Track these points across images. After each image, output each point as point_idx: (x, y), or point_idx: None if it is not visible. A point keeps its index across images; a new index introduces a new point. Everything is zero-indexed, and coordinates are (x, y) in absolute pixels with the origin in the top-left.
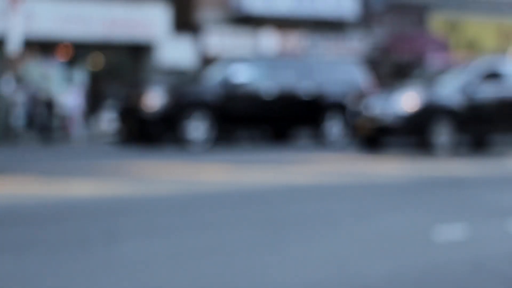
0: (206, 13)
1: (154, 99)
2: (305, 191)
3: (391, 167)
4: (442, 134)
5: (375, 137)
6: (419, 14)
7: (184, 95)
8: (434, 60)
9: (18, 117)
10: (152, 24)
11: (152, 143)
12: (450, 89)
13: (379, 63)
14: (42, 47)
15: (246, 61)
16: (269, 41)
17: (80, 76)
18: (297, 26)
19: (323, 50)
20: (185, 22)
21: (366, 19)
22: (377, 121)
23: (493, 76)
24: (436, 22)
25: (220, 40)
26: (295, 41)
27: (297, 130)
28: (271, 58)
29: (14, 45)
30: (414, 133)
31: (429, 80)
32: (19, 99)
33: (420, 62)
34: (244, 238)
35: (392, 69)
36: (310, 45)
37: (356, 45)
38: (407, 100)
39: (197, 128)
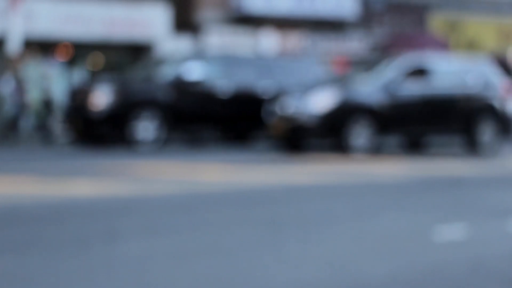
0: (206, 13)
1: (100, 98)
2: (305, 191)
3: (391, 167)
4: (361, 135)
5: (289, 137)
6: (419, 14)
7: (132, 93)
8: None
9: (11, 115)
10: (152, 24)
11: (99, 143)
12: (371, 87)
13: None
14: (42, 47)
15: (200, 59)
16: (269, 41)
17: (80, 76)
18: (297, 26)
19: (323, 50)
20: (185, 22)
21: (366, 19)
22: (292, 121)
23: (419, 72)
24: (436, 22)
25: (220, 40)
26: (295, 41)
27: (255, 130)
28: (227, 55)
29: (14, 45)
30: (330, 134)
31: (350, 77)
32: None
33: None
34: (244, 238)
35: None
36: (310, 45)
37: (356, 45)
38: (320, 99)
39: (146, 127)
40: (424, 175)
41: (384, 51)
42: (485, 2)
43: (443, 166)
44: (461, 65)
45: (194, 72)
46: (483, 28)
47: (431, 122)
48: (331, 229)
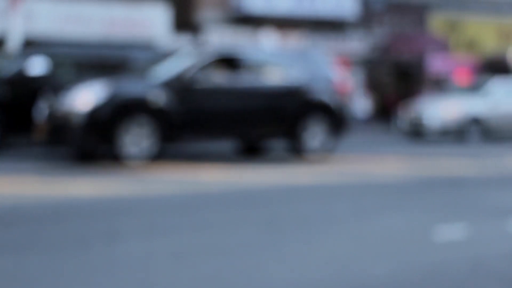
0: (206, 13)
1: None
2: (305, 191)
3: (391, 167)
4: (139, 138)
5: (53, 140)
6: (419, 14)
7: None
8: (434, 60)
9: None
10: (152, 24)
11: None
12: (156, 80)
13: (379, 63)
14: None
15: (49, 52)
16: (269, 41)
17: None
18: (297, 26)
19: (323, 50)
20: (185, 22)
21: (366, 19)
22: (56, 120)
23: (225, 62)
24: (436, 22)
25: (220, 40)
26: (295, 41)
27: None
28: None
29: (14, 45)
30: (99, 137)
31: (142, 70)
32: None
33: (420, 62)
34: (244, 237)
35: (392, 69)
36: (310, 45)
37: (356, 45)
38: (85, 94)
39: None
40: (424, 175)
41: (384, 51)
42: (485, 2)
43: (441, 166)
44: (283, 56)
45: (38, 67)
46: (483, 28)
47: (243, 123)
48: (331, 229)
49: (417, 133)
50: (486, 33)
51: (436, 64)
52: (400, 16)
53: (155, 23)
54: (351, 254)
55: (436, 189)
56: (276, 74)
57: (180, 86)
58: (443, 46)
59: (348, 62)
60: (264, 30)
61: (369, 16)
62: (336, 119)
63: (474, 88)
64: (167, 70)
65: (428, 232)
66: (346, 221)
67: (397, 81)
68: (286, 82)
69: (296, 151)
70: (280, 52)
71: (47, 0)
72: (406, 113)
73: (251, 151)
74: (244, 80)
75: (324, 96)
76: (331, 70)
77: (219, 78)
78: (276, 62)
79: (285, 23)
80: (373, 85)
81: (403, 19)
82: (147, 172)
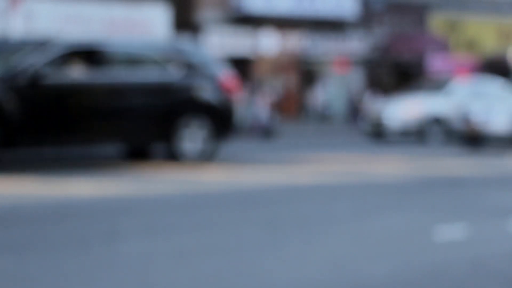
0: (206, 13)
1: None
2: (305, 191)
3: (391, 167)
4: None
5: None
6: (419, 14)
7: None
8: (434, 60)
9: None
10: (152, 24)
11: None
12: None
13: (379, 63)
14: None
15: None
16: (269, 41)
17: None
18: (297, 26)
19: (323, 50)
20: (185, 22)
21: (366, 19)
22: None
23: (84, 55)
24: (436, 22)
25: (220, 40)
26: (295, 41)
27: None
28: None
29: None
30: None
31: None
32: None
33: (420, 62)
34: (244, 238)
35: (392, 69)
36: (310, 45)
37: (356, 45)
38: None
39: None
40: (424, 175)
41: (384, 51)
42: (485, 2)
43: (441, 166)
44: (156, 49)
45: None
46: (483, 28)
47: (103, 125)
48: (331, 229)
49: (378, 133)
50: (486, 33)
51: (436, 64)
52: (400, 16)
53: (155, 23)
54: (351, 254)
55: (436, 189)
56: (147, 69)
57: (22, 83)
58: (443, 46)
59: (348, 62)
60: (264, 30)
61: (369, 16)
62: (220, 119)
63: (437, 87)
64: (10, 64)
65: (428, 232)
66: (346, 221)
67: (397, 81)
68: (158, 78)
69: (172, 155)
70: (154, 45)
71: (47, 0)
72: (369, 113)
73: (137, 155)
74: (106, 75)
75: (206, 94)
76: (217, 66)
77: (75, 73)
78: (148, 56)
79: (285, 23)
80: (373, 85)
81: (403, 19)
82: (147, 172)
